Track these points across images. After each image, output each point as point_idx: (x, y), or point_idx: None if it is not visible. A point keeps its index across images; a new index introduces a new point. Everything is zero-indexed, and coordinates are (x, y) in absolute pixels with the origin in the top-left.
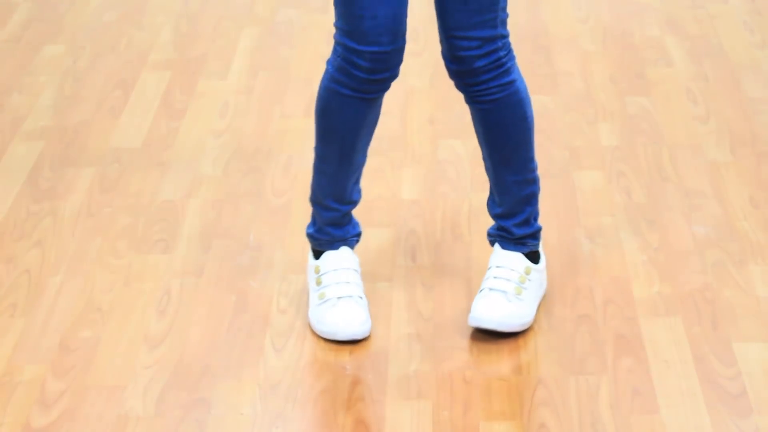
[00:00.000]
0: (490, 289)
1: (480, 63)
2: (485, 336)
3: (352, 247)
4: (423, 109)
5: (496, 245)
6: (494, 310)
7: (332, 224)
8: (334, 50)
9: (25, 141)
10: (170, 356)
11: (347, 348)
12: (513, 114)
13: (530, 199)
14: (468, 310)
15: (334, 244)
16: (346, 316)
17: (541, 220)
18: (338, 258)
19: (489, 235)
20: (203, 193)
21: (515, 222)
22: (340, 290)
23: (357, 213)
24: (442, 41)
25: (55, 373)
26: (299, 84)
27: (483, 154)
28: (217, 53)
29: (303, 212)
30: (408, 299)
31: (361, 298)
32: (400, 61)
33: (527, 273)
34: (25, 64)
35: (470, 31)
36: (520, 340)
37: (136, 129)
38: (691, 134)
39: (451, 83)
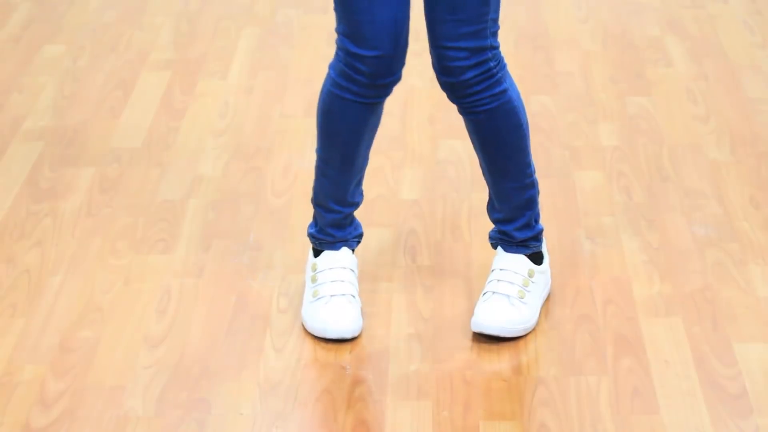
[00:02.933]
0: (493, 293)
1: (470, 74)
2: (485, 336)
3: (352, 248)
4: (423, 109)
5: (499, 248)
6: (496, 316)
7: (334, 225)
8: (336, 54)
9: (25, 141)
10: (170, 356)
11: (347, 348)
12: (507, 123)
13: (529, 203)
14: (468, 310)
15: (335, 245)
16: (337, 314)
17: (541, 220)
18: (336, 257)
19: (491, 237)
20: (203, 193)
21: (516, 226)
22: (333, 288)
23: (357, 213)
24: (431, 52)
25: (55, 373)
26: (299, 84)
27: (480, 162)
28: (217, 53)
29: (303, 212)
30: (408, 299)
31: (354, 297)
32: (402, 64)
33: (530, 276)
34: (25, 64)
35: (458, 42)
36: (520, 340)
37: (136, 129)
38: (691, 134)
39: None
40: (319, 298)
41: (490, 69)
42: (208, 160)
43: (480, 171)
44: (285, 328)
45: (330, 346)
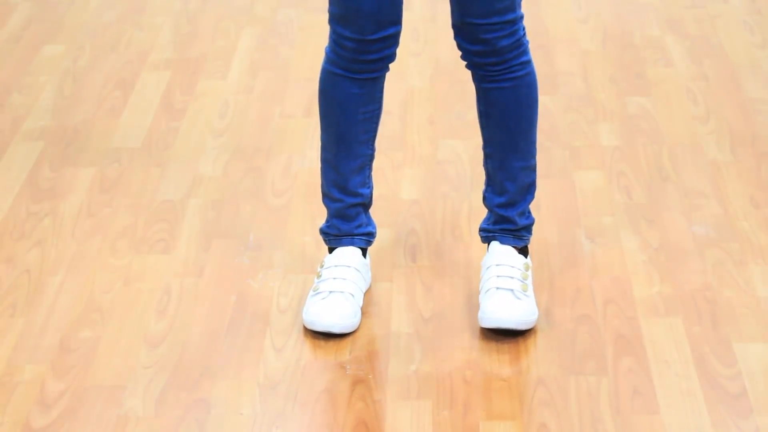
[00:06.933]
0: (497, 288)
1: (504, 43)
2: (485, 336)
3: (359, 245)
4: (423, 109)
5: (494, 243)
6: (506, 309)
7: (339, 216)
8: (330, 32)
9: (25, 141)
10: (170, 356)
11: (347, 348)
12: (528, 94)
13: (531, 187)
14: (469, 310)
15: (341, 240)
16: (328, 308)
17: (541, 220)
18: (342, 255)
19: (484, 231)
20: (203, 193)
21: (518, 211)
22: (333, 285)
23: None
24: (459, 27)
25: (55, 373)
26: (299, 84)
27: (490, 140)
28: (217, 53)
29: (303, 212)
30: (408, 299)
31: (352, 295)
32: (392, 44)
33: (526, 269)
34: (25, 64)
35: (492, 18)
36: (520, 340)
37: (136, 129)
38: (691, 134)
39: (450, 83)
40: (318, 293)
41: (520, 38)
42: (208, 160)
43: (482, 169)
44: (285, 328)
45: (330, 346)
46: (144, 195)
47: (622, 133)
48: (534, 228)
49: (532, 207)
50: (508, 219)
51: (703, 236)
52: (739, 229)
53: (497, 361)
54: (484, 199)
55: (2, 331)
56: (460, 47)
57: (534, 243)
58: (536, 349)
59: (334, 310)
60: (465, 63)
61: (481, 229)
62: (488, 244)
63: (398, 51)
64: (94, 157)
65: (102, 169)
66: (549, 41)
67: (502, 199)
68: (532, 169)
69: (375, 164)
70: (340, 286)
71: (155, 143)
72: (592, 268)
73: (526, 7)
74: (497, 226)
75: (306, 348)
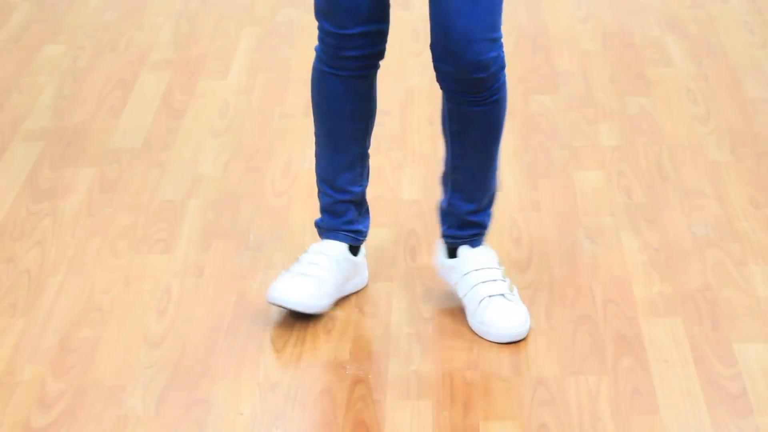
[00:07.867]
0: (490, 297)
1: (496, 66)
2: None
3: (344, 240)
4: (423, 109)
5: (463, 248)
6: (511, 321)
7: (327, 211)
8: (317, 27)
9: (25, 141)
10: (170, 356)
11: (347, 348)
12: (501, 110)
13: (496, 188)
14: None
15: (329, 234)
16: (290, 285)
17: (541, 220)
18: (326, 246)
19: (452, 237)
20: (203, 193)
21: (487, 213)
22: (305, 268)
23: None
24: (436, 48)
25: (55, 373)
26: (299, 84)
27: (463, 155)
28: (217, 53)
29: (303, 212)
30: (408, 299)
31: (322, 280)
32: (368, 43)
33: (500, 264)
34: (25, 64)
35: (487, 33)
36: (520, 340)
37: (136, 129)
38: (691, 134)
39: None
40: (288, 272)
41: (502, 58)
42: (208, 160)
43: None
44: (285, 328)
45: (330, 346)
46: (144, 195)
47: (622, 133)
48: (534, 228)
49: (533, 207)
50: (478, 224)
51: (703, 236)
52: (739, 229)
53: (497, 361)
54: (449, 206)
55: (2, 331)
56: (437, 69)
57: (534, 243)
58: (536, 349)
59: (297, 288)
60: (441, 86)
61: (448, 236)
62: (456, 249)
63: (398, 51)
64: (94, 157)
65: (102, 169)
66: (549, 41)
67: (471, 206)
68: (496, 170)
69: (375, 164)
70: (311, 270)
71: (155, 143)
72: (592, 268)
73: (526, 8)
74: (467, 232)
75: (306, 348)
